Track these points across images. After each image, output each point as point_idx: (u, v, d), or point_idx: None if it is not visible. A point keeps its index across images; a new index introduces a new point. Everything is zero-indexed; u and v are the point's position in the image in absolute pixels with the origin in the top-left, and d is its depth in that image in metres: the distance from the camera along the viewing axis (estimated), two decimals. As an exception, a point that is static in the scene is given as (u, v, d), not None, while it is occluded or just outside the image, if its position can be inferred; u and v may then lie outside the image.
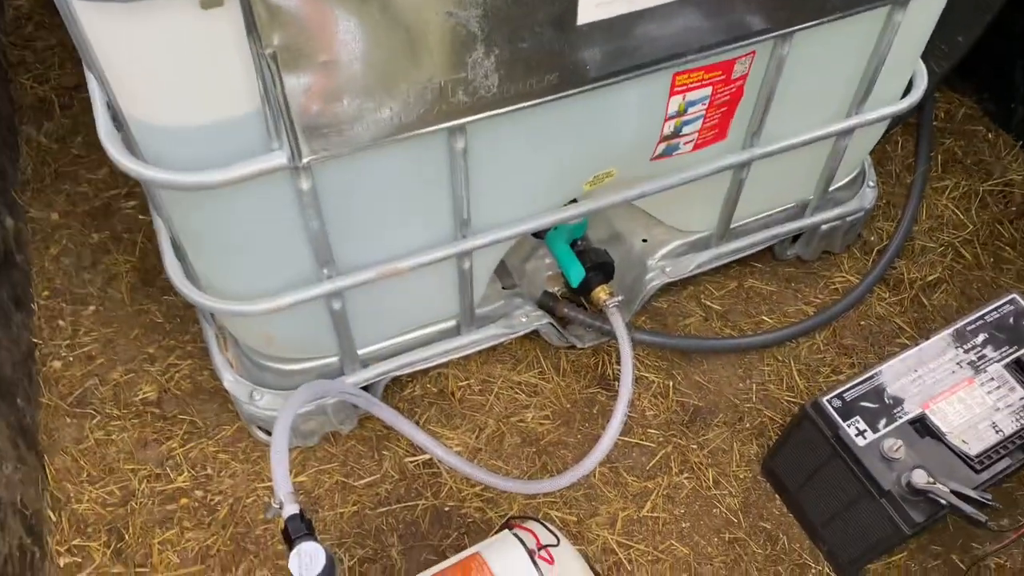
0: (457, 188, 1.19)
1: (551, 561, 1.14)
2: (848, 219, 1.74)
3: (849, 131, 1.48)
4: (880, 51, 1.34)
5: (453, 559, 1.11)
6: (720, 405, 1.63)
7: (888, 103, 1.49)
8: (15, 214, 1.78)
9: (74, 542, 1.42)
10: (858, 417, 1.30)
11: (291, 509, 1.10)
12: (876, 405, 1.32)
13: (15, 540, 1.27)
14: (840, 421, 1.29)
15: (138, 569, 1.40)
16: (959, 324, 1.41)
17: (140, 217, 1.86)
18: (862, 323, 1.75)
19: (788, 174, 1.58)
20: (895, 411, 1.31)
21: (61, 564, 1.39)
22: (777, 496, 1.52)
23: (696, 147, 1.35)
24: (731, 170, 1.45)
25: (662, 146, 1.31)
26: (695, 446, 1.57)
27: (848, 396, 1.33)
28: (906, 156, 2.00)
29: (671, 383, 1.65)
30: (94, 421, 1.56)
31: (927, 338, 1.41)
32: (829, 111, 1.45)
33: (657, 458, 1.56)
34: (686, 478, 1.54)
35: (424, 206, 1.22)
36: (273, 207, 1.09)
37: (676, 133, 1.30)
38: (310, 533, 1.08)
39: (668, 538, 1.47)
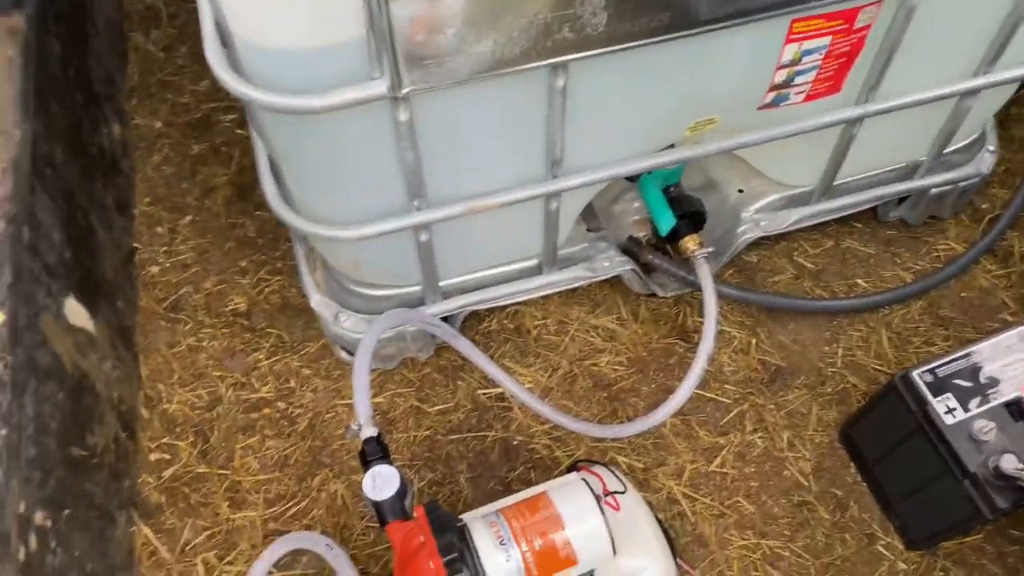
0: (552, 127, 1.16)
1: (617, 508, 1.15)
2: (961, 184, 1.64)
3: (975, 91, 1.38)
4: (1021, 6, 1.24)
5: (521, 495, 1.13)
6: (803, 367, 1.59)
7: (1023, 63, 1.38)
8: (122, 121, 1.84)
9: (164, 440, 1.50)
10: (949, 394, 1.25)
11: (369, 432, 1.13)
12: (970, 384, 1.26)
13: (111, 434, 1.35)
14: (930, 396, 1.24)
15: (220, 470, 1.47)
16: (1072, 307, 1.33)
17: (238, 131, 1.90)
18: (963, 295, 1.67)
19: (902, 133, 1.49)
20: (990, 392, 1.25)
21: (152, 459, 1.48)
22: (852, 464, 1.48)
23: (807, 99, 1.29)
24: (841, 125, 1.37)
25: (771, 95, 1.25)
26: (772, 406, 1.55)
27: (941, 372, 1.27)
28: (1033, 120, 1.87)
29: (754, 340, 1.61)
30: (187, 327, 1.63)
31: (1034, 318, 1.33)
32: (956, 68, 1.35)
33: (732, 414, 1.54)
34: (759, 437, 1.52)
35: (517, 143, 1.20)
36: (370, 136, 1.09)
37: (787, 83, 1.23)
38: (385, 456, 1.12)
39: (735, 494, 1.46)
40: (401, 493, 1.08)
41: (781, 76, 1.22)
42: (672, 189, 1.54)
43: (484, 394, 1.58)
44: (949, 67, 1.35)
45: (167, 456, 1.48)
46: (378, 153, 1.12)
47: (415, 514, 1.05)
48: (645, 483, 1.48)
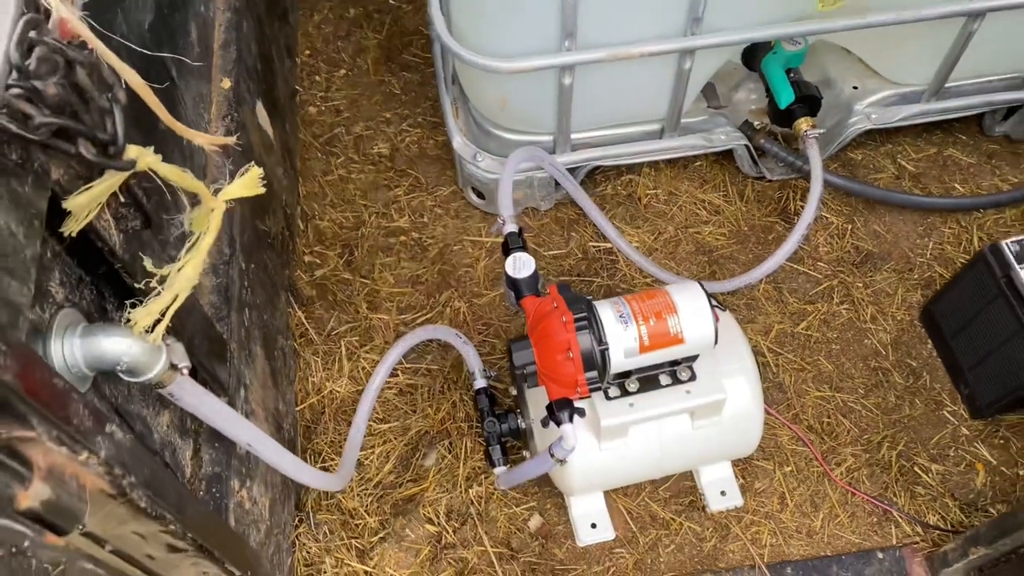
0: (701, -18, 1.30)
1: (717, 319, 1.31)
2: (1070, 103, 1.72)
3: (1098, -1, 1.47)
4: None
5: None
6: (893, 254, 1.71)
7: None
8: (291, -21, 2.05)
9: (316, 248, 1.72)
10: (1034, 265, 1.36)
11: (511, 227, 1.32)
12: (1055, 259, 1.37)
13: (280, 226, 1.57)
14: (1015, 263, 1.36)
15: (362, 279, 1.68)
16: None
17: (391, 1, 2.09)
18: (1057, 209, 1.76)
19: (1019, 41, 1.58)
20: (1073, 267, 1.36)
21: (305, 260, 1.70)
22: (929, 342, 1.61)
23: (935, -15, 1.39)
24: (962, 19, 1.48)
25: (902, -25, 1.36)
26: (860, 284, 1.67)
27: (1029, 247, 1.38)
28: None
29: (850, 227, 1.74)
30: (338, 160, 1.84)
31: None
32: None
33: (821, 287, 1.67)
34: (845, 308, 1.65)
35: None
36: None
37: (920, -36, 1.34)
38: (524, 247, 1.30)
39: (816, 354, 1.61)
40: (535, 275, 1.26)
41: (915, -44, 1.33)
42: (792, 73, 1.66)
43: (594, 247, 1.75)
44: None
45: (318, 260, 1.70)
46: (547, -15, 1.29)
47: (547, 291, 1.23)
48: (734, 335, 1.63)
